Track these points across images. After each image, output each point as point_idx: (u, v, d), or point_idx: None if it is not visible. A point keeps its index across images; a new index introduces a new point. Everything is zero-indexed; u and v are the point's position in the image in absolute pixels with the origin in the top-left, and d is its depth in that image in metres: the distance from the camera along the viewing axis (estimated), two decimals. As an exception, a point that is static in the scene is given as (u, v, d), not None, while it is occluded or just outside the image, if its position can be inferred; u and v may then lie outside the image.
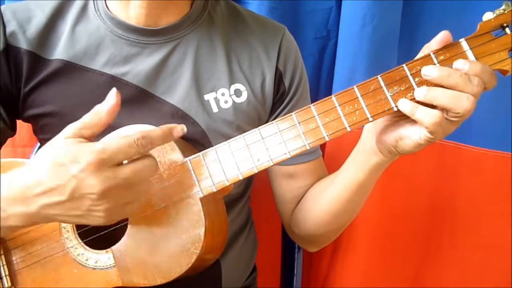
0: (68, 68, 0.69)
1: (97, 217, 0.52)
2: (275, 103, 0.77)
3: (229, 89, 0.72)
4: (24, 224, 0.54)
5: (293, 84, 0.77)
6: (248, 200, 0.87)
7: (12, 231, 0.60)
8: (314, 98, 1.04)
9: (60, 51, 0.69)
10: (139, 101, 0.70)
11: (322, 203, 0.74)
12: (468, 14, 0.96)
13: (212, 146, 0.66)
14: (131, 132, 0.51)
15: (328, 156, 0.98)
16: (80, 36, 0.70)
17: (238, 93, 0.73)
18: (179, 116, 0.70)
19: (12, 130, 0.74)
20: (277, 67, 0.75)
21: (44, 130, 0.72)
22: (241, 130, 0.73)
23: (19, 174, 0.52)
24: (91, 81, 0.69)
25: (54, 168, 0.50)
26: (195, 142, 0.70)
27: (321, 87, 1.06)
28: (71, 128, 0.52)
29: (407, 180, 1.01)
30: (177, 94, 0.70)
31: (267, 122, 0.77)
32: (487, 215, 1.02)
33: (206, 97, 0.71)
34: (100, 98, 0.68)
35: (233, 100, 0.72)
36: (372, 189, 0.71)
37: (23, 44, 0.68)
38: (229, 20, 0.76)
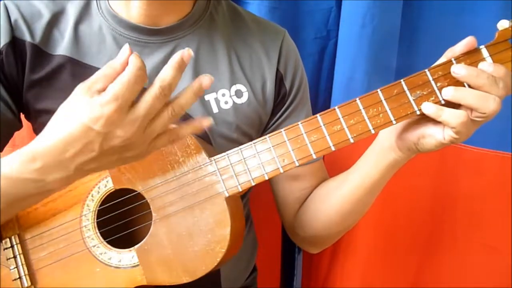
0: (71, 65, 0.69)
1: (134, 156, 0.54)
2: (276, 105, 0.76)
3: (229, 90, 0.72)
4: (63, 186, 0.56)
5: (293, 87, 0.77)
6: (248, 201, 0.86)
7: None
8: (314, 98, 1.05)
9: (63, 48, 0.69)
10: None
11: (332, 203, 0.74)
12: (467, 14, 0.96)
13: (212, 146, 0.66)
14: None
15: (327, 159, 0.98)
16: (83, 34, 0.70)
17: (239, 93, 0.73)
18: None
19: (20, 122, 0.74)
20: (277, 70, 0.75)
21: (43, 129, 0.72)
22: (241, 131, 0.73)
23: (45, 142, 0.52)
24: None
25: (79, 129, 0.50)
26: None
27: (321, 87, 1.06)
28: (83, 86, 0.51)
29: (407, 180, 1.01)
30: None
31: (268, 124, 0.78)
32: (487, 215, 1.01)
33: (207, 97, 0.71)
34: None
35: (233, 101, 0.72)
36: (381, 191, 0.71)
37: (27, 37, 0.68)
38: (231, 21, 0.76)
